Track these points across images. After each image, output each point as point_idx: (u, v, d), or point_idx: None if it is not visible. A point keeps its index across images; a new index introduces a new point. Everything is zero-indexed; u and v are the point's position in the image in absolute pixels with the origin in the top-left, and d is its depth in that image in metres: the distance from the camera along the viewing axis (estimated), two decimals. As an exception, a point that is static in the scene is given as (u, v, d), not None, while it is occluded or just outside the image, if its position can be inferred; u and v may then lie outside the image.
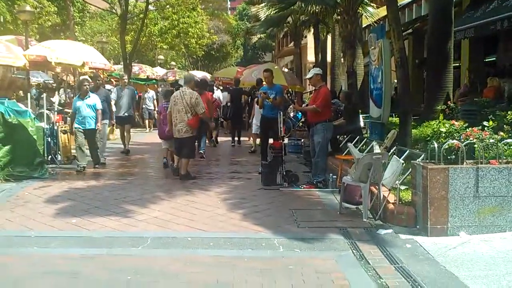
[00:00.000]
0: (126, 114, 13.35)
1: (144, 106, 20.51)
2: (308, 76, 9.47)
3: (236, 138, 16.02)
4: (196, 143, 11.64)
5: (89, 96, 10.76)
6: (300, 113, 17.69)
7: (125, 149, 13.43)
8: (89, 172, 10.54)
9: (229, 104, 16.70)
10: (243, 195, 8.35)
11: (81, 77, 11.94)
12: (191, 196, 8.29)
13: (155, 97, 20.56)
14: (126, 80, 15.56)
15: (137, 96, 16.41)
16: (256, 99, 13.20)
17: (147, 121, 20.61)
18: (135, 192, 8.49)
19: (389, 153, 7.93)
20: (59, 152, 11.46)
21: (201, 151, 12.87)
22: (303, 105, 15.87)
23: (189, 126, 9.70)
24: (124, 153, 13.31)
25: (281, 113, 10.07)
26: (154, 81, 26.60)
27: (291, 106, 17.32)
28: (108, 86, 17.13)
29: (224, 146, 15.86)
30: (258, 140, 13.95)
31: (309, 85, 14.50)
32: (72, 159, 11.34)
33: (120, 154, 13.20)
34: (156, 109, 20.16)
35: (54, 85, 20.61)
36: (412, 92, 11.38)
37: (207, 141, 14.46)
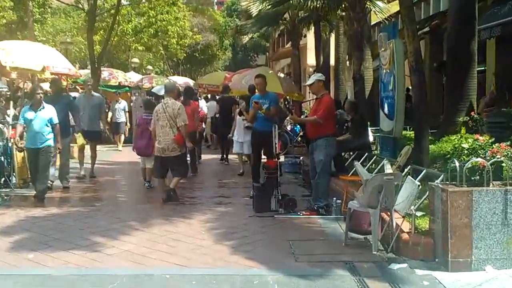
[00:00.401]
0: (89, 129, 12.86)
1: (114, 118, 20.50)
2: (309, 82, 9.54)
3: (225, 156, 16.10)
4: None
5: (43, 107, 10.17)
6: (298, 126, 17.80)
7: (82, 174, 12.91)
8: (50, 197, 10.49)
9: (217, 115, 16.75)
10: (232, 224, 8.35)
11: (34, 85, 11.92)
12: (170, 225, 8.27)
13: (127, 109, 20.59)
14: (91, 87, 15.39)
15: (106, 107, 16.51)
16: (239, 110, 13.29)
17: (117, 137, 20.49)
18: (104, 221, 8.47)
19: (403, 173, 7.96)
20: (14, 173, 11.35)
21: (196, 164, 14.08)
22: (302, 117, 15.98)
23: (175, 143, 9.95)
24: (81, 178, 12.72)
25: (276, 126, 10.11)
26: (127, 88, 26.59)
27: (288, 118, 17.38)
28: (73, 95, 17.10)
29: (209, 165, 15.87)
30: (244, 157, 14.05)
31: (309, 93, 14.58)
32: (29, 182, 11.15)
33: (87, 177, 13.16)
34: (128, 123, 20.27)
35: (9, 93, 20.57)
36: (429, 101, 11.46)
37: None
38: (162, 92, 24.92)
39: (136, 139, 11.80)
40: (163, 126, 9.97)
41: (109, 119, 19.67)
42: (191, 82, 31.53)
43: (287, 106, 10.71)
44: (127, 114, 20.62)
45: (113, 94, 22.32)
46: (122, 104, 20.88)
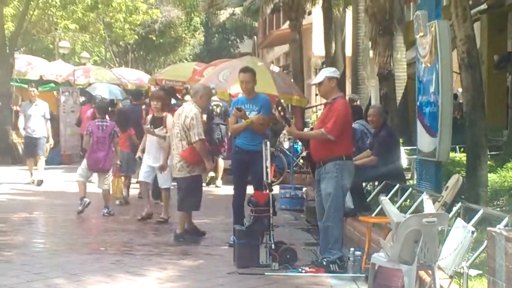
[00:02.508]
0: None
1: (27, 131, 18.28)
2: (316, 81, 9.54)
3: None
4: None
5: None
6: (299, 143, 17.80)
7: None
8: None
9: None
10: (203, 285, 8.30)
11: None
12: (113, 285, 8.22)
13: (48, 115, 18.55)
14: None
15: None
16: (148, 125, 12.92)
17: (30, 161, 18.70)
18: (16, 279, 8.37)
19: (450, 215, 7.98)
20: None
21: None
22: (305, 130, 15.99)
23: (183, 160, 10.68)
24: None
25: (268, 143, 10.11)
26: (52, 85, 26.55)
27: (284, 131, 17.41)
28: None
29: (173, 194, 15.86)
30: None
31: (316, 95, 14.59)
32: None
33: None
34: (49, 139, 19.95)
35: None
36: (487, 109, 11.53)
37: None
38: (102, 93, 25.05)
39: (90, 151, 13.16)
40: (176, 135, 10.82)
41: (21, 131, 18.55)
42: (145, 77, 31.60)
43: (283, 114, 10.69)
44: (49, 125, 18.47)
45: (27, 92, 19.94)
46: (40, 107, 18.39)
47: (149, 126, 12.48)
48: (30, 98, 18.53)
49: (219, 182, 17.88)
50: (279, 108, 9.78)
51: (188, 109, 10.84)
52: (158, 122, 12.49)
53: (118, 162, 14.08)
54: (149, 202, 13.01)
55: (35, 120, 18.09)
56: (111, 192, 13.81)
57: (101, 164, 13.19)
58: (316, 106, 26.98)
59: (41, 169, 17.86)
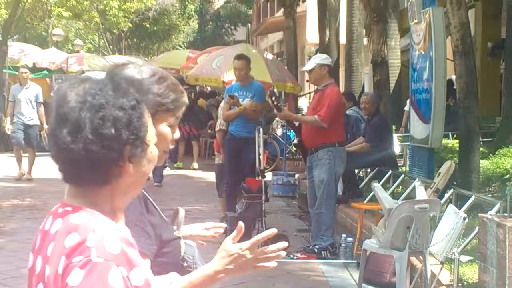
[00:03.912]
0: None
1: (18, 116, 16.85)
2: (308, 67, 9.54)
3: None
4: None
5: None
6: (292, 130, 17.82)
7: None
8: None
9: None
10: (195, 270, 8.28)
11: None
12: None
13: (41, 99, 16.97)
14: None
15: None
16: None
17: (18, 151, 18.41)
18: (7, 265, 8.41)
19: (442, 201, 7.98)
20: None
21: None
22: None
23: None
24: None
25: (261, 130, 10.10)
26: (45, 72, 26.46)
27: (277, 118, 17.41)
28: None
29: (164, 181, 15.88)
30: None
31: (307, 81, 14.59)
32: None
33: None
34: (45, 124, 19.74)
35: None
36: (481, 97, 11.53)
37: None
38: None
39: None
40: None
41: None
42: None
43: (275, 102, 10.70)
44: (42, 109, 16.81)
45: (19, 74, 17.92)
46: (32, 90, 16.86)
47: None
48: (20, 81, 16.82)
49: (195, 164, 18.65)
50: (273, 98, 9.77)
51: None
52: None
53: None
54: None
55: (27, 105, 16.49)
56: None
57: None
58: (308, 93, 26.95)
59: (31, 164, 16.46)
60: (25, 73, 16.86)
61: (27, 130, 16.31)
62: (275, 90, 18.27)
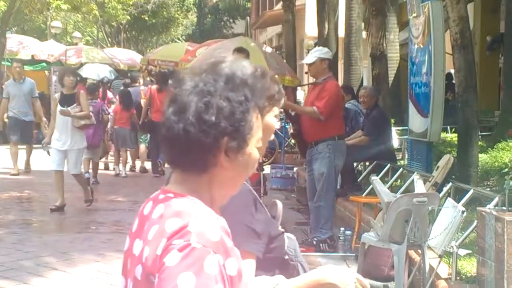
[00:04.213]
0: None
1: (14, 112, 16.29)
2: (308, 60, 9.49)
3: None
4: None
5: None
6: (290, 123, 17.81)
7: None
8: None
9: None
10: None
11: None
12: (103, 263, 8.24)
13: (36, 93, 16.57)
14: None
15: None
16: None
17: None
18: (7, 257, 8.38)
19: (441, 194, 7.98)
20: None
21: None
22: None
23: None
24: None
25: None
26: (44, 64, 26.46)
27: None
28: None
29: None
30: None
31: (306, 73, 14.55)
32: None
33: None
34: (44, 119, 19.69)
35: None
36: (479, 90, 11.52)
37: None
38: (90, 75, 25.06)
39: None
40: None
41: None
42: (137, 57, 31.49)
43: None
44: (38, 104, 16.59)
45: (13, 68, 17.21)
46: (27, 85, 16.25)
47: (63, 107, 11.42)
48: (14, 76, 16.15)
49: None
50: None
51: None
52: (69, 100, 11.53)
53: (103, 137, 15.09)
54: (62, 192, 11.57)
55: (22, 101, 15.95)
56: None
57: (90, 140, 13.43)
58: (306, 84, 26.93)
59: (28, 156, 16.29)
60: (19, 67, 16.23)
61: (23, 126, 15.91)
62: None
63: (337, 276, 2.60)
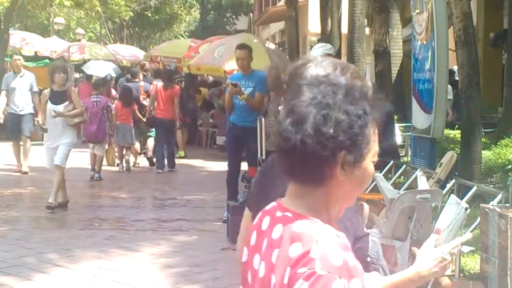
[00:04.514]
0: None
1: (11, 107, 16.11)
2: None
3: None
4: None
5: None
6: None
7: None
8: None
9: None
10: (196, 260, 8.33)
11: None
12: (106, 260, 8.24)
13: (36, 88, 15.79)
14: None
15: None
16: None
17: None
18: (9, 253, 8.41)
19: (444, 191, 7.98)
20: None
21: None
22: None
23: None
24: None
25: (263, 119, 10.08)
26: (47, 61, 26.47)
27: (280, 107, 17.41)
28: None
29: (161, 172, 15.89)
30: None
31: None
32: None
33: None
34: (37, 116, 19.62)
35: None
36: (482, 87, 11.52)
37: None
38: (95, 72, 25.13)
39: (85, 125, 13.49)
40: None
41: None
42: (140, 53, 31.52)
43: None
44: (37, 99, 15.19)
45: (13, 61, 16.75)
46: (26, 79, 15.82)
47: (54, 104, 11.10)
48: (14, 69, 15.74)
49: (182, 152, 18.74)
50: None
51: None
52: (60, 97, 11.20)
53: (110, 132, 15.23)
54: (64, 188, 11.34)
55: (21, 94, 15.62)
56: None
57: (94, 136, 14.42)
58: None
59: (26, 154, 15.71)
60: (19, 60, 15.83)
61: (20, 120, 15.64)
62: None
63: (428, 267, 2.66)
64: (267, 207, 2.13)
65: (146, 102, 17.05)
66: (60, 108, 11.07)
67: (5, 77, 15.56)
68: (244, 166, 10.58)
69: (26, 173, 15.31)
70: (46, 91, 11.50)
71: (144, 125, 16.69)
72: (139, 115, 16.32)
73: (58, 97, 11.18)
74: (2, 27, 22.41)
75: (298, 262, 1.89)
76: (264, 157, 9.84)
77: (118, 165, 16.36)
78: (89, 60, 27.93)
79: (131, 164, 16.53)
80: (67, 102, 11.15)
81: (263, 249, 2.04)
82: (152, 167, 16.28)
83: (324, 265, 1.86)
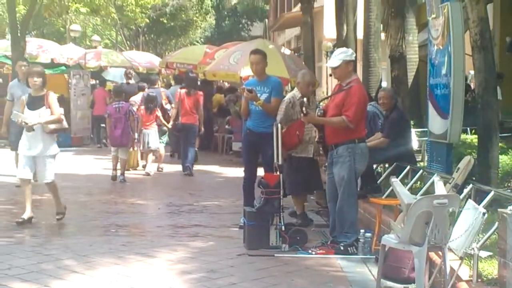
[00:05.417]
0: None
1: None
2: (333, 64, 9.30)
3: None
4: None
5: None
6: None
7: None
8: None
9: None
10: (213, 266, 8.30)
11: None
12: (123, 266, 8.23)
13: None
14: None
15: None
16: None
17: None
18: (27, 260, 8.40)
19: (461, 196, 7.94)
20: None
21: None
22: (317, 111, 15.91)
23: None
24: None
25: (279, 125, 10.06)
26: (63, 68, 26.60)
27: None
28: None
29: (176, 176, 15.93)
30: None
31: (330, 75, 14.43)
32: None
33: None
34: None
35: None
36: (501, 91, 11.46)
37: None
38: (115, 78, 25.23)
39: (110, 130, 15.58)
40: None
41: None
42: (155, 60, 31.62)
43: (305, 111, 10.09)
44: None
45: (18, 68, 15.43)
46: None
47: (31, 110, 10.61)
48: (19, 76, 14.50)
49: None
50: (303, 108, 9.49)
51: (290, 94, 11.04)
52: (37, 102, 10.65)
53: (136, 136, 16.19)
54: (30, 203, 10.80)
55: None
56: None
57: (119, 140, 15.42)
58: (328, 97, 26.91)
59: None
60: (24, 66, 14.47)
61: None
62: (305, 99, 18.20)
63: None
64: None
65: (168, 107, 17.84)
66: (35, 114, 10.52)
67: (9, 86, 14.48)
68: (260, 171, 10.53)
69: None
70: (24, 97, 10.93)
71: (170, 130, 17.42)
72: (163, 120, 17.00)
73: (35, 103, 10.65)
74: (19, 34, 22.48)
75: None
76: (280, 162, 9.80)
77: (144, 166, 17.02)
78: (110, 67, 28.14)
79: (155, 168, 17.07)
80: (43, 108, 10.61)
81: None
82: (170, 172, 16.51)
83: None
